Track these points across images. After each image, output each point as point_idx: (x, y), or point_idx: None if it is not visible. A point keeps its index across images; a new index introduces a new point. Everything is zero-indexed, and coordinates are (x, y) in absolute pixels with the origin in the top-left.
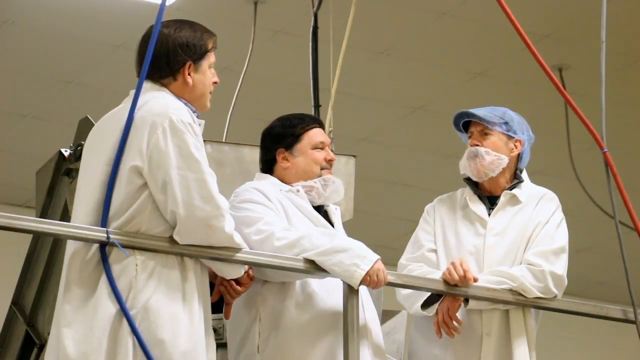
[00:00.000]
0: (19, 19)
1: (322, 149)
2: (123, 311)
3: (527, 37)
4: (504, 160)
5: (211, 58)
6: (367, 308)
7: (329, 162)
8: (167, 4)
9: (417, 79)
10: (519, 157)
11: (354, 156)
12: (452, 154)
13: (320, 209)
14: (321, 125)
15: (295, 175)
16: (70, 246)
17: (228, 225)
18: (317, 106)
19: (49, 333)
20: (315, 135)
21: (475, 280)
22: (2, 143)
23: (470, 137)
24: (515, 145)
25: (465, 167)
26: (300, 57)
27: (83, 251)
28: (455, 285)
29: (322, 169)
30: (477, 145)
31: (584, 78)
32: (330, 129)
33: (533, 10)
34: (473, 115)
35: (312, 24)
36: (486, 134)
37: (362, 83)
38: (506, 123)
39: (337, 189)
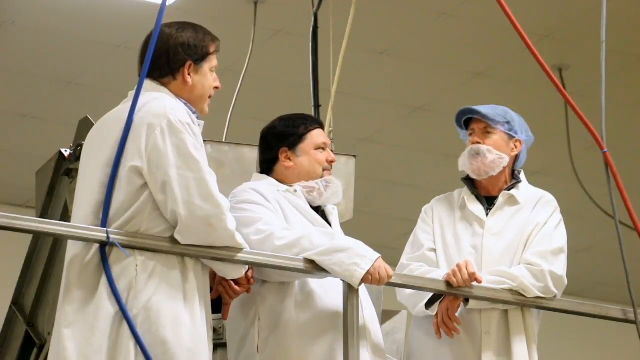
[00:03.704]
0: (19, 19)
1: (323, 149)
2: (122, 312)
3: (527, 37)
4: (505, 160)
5: (213, 61)
6: (366, 308)
7: (330, 163)
8: (167, 4)
9: (417, 79)
10: (516, 157)
11: (354, 156)
12: (452, 154)
13: (318, 209)
14: (322, 126)
15: (297, 175)
16: (71, 247)
17: (229, 223)
18: (317, 106)
19: (49, 333)
20: (317, 136)
21: (481, 281)
22: (2, 143)
23: (471, 134)
24: (515, 145)
25: (465, 165)
26: (300, 57)
27: (83, 252)
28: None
29: (323, 170)
30: (479, 143)
31: (584, 78)
32: (330, 129)
33: (533, 10)
34: (477, 113)
35: (312, 24)
36: (488, 133)
37: (362, 83)
38: (508, 122)
39: (336, 190)
